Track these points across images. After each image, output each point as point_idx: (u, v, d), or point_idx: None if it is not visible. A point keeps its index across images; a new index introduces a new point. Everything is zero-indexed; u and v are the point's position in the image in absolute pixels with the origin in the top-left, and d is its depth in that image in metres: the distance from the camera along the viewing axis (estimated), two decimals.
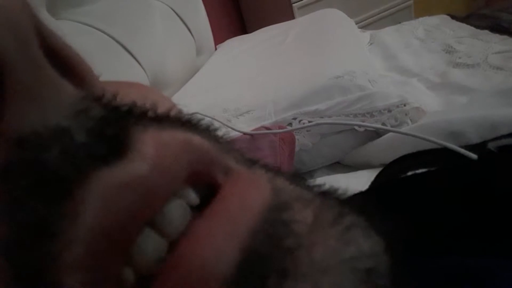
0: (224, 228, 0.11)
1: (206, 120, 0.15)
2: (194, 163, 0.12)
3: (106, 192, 0.10)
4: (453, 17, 1.16)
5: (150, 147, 0.11)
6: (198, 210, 0.12)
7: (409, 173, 0.26)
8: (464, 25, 1.07)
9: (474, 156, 0.24)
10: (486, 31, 0.98)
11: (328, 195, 0.14)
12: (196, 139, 0.12)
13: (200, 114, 0.15)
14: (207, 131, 0.14)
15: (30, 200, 0.10)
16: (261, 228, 0.11)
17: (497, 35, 0.93)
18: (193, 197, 0.12)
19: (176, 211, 0.11)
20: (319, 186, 0.15)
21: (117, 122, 0.11)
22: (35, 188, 0.10)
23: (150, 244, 0.11)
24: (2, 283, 0.09)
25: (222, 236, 0.11)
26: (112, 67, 0.82)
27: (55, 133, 0.10)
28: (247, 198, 0.12)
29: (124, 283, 0.10)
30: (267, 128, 0.61)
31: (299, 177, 0.15)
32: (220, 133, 0.15)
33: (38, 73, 0.10)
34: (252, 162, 0.15)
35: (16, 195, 0.10)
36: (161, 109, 0.13)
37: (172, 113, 0.13)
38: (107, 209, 0.10)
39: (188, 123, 0.14)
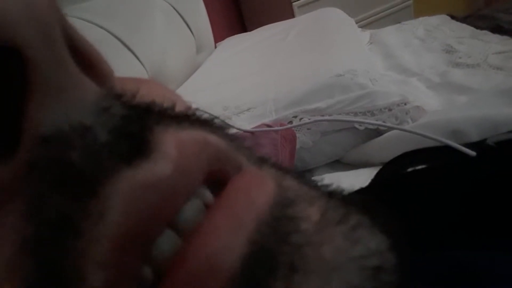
0: (229, 222, 0.11)
1: (220, 119, 0.15)
2: (211, 162, 0.12)
3: (131, 192, 0.10)
4: (453, 17, 1.17)
5: (172, 148, 0.11)
6: None
7: (409, 170, 0.27)
8: (464, 25, 1.07)
9: (472, 153, 0.24)
10: (486, 32, 0.98)
11: (334, 195, 0.14)
12: (213, 138, 0.13)
13: (200, 111, 0.15)
14: (221, 130, 0.14)
15: (55, 197, 0.10)
16: (266, 222, 0.11)
17: (497, 35, 0.93)
18: (209, 195, 0.12)
19: (193, 211, 0.11)
20: (326, 186, 0.15)
21: (139, 121, 0.11)
22: (60, 186, 0.10)
23: (168, 244, 0.11)
24: (26, 281, 0.09)
25: (228, 230, 0.11)
26: (112, 63, 0.82)
27: (78, 131, 0.10)
28: (252, 193, 0.12)
29: (144, 282, 0.10)
30: (268, 126, 0.61)
31: (307, 176, 0.15)
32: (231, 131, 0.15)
33: (62, 70, 0.10)
34: (262, 161, 0.15)
35: (40, 192, 0.10)
36: (178, 108, 0.13)
37: (189, 112, 0.13)
38: (132, 209, 0.10)
39: (204, 122, 0.14)
